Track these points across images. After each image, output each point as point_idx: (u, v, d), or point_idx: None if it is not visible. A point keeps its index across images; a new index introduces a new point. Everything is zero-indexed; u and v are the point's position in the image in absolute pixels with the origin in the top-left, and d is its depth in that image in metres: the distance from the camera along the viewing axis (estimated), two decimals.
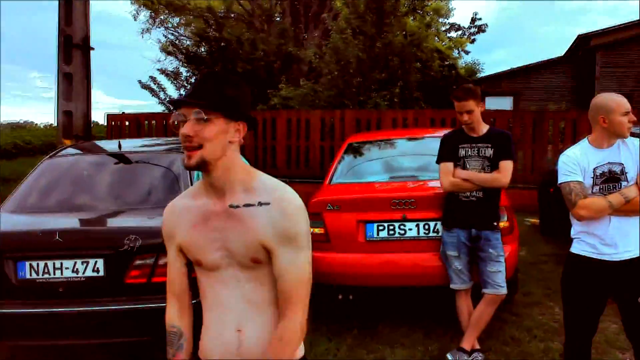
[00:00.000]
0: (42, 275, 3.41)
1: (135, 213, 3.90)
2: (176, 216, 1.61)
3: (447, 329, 4.20)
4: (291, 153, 10.17)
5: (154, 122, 10.60)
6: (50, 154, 4.71)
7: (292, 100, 10.26)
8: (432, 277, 4.01)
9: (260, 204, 1.50)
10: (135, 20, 13.87)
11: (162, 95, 12.99)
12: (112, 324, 3.44)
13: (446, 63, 17.12)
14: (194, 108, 1.45)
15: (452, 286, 3.85)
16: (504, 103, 19.31)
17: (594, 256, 2.83)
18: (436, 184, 4.15)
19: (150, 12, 13.34)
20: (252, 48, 10.92)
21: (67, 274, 3.41)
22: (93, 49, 8.22)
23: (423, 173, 4.70)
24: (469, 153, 3.75)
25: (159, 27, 13.61)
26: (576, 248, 2.92)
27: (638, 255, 2.81)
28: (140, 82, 12.96)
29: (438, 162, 3.86)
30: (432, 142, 5.27)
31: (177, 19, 13.58)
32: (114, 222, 3.80)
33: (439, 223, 4.04)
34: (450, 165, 3.76)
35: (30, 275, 3.41)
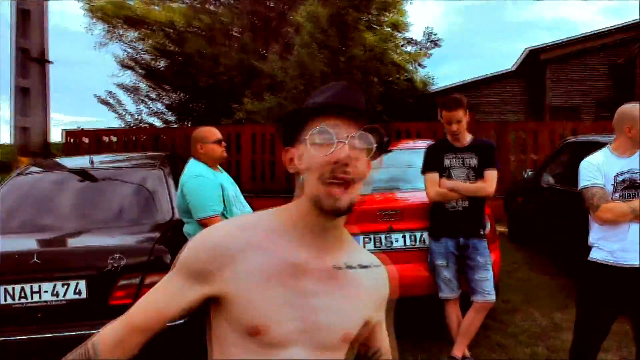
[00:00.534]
0: (19, 300, 3.22)
1: (114, 232, 3.75)
2: (229, 256, 1.09)
3: (435, 339, 4.20)
4: (256, 167, 10.07)
5: (114, 138, 10.29)
6: (17, 172, 4.49)
7: (257, 114, 10.18)
8: (421, 287, 4.00)
9: (361, 266, 1.20)
10: (91, 34, 13.52)
11: (120, 110, 12.74)
12: None
13: (405, 76, 17.41)
14: (361, 125, 1.07)
15: (441, 295, 3.85)
16: None
17: (613, 263, 2.88)
18: (420, 194, 4.16)
19: (107, 26, 13.01)
20: (214, 62, 10.80)
21: (46, 297, 3.23)
22: (51, 62, 7.94)
23: (404, 184, 4.72)
24: (454, 163, 3.78)
25: (116, 42, 13.34)
26: (595, 255, 2.96)
27: None
28: (97, 97, 12.67)
29: (423, 172, 3.87)
30: (407, 154, 5.34)
31: (134, 33, 13.31)
32: (94, 242, 3.62)
33: (425, 233, 4.05)
34: (435, 175, 3.77)
35: (6, 300, 3.21)
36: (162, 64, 11.95)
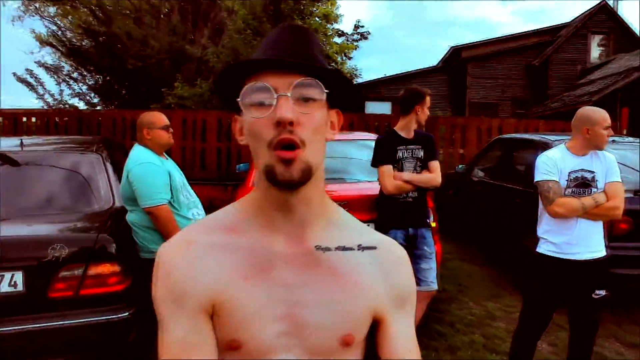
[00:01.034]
0: None
1: (48, 220, 3.51)
2: (196, 261, 0.91)
3: None
4: (186, 154, 9.79)
5: (34, 119, 9.63)
6: None
7: (187, 99, 9.86)
8: None
9: (361, 247, 0.98)
10: (3, 5, 12.50)
11: (40, 90, 11.90)
12: (35, 344, 3.06)
13: (332, 67, 17.58)
14: (299, 76, 0.88)
15: None
16: (383, 108, 20.20)
17: (559, 256, 3.08)
18: (367, 185, 4.23)
19: None
20: (142, 44, 10.36)
21: None
22: None
23: (349, 175, 4.76)
24: (405, 155, 3.85)
25: (33, 16, 12.44)
26: (542, 248, 3.16)
27: (598, 257, 3.10)
28: (15, 74, 11.78)
29: (375, 165, 3.91)
30: (348, 144, 5.41)
31: (53, 8, 12.47)
32: (28, 230, 3.37)
33: (371, 225, 4.10)
34: (390, 167, 3.82)
35: None
36: (86, 43, 11.29)
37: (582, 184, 3.09)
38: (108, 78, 11.17)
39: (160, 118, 3.67)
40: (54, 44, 12.00)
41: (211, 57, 10.02)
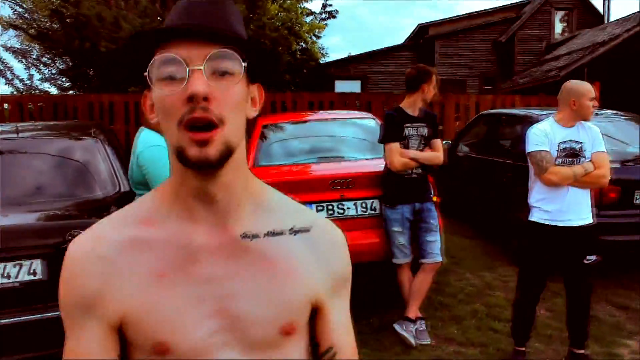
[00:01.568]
0: None
1: (58, 206, 3.46)
2: (106, 264, 0.83)
3: (386, 304, 4.41)
4: None
5: (6, 105, 9.31)
6: None
7: None
8: (373, 254, 4.15)
9: (293, 231, 0.91)
10: None
11: (8, 75, 11.45)
12: (56, 332, 3.03)
13: (300, 46, 17.48)
14: (214, 46, 0.79)
15: (394, 261, 4.02)
16: (353, 86, 20.26)
17: (551, 223, 3.24)
18: (369, 163, 4.31)
19: None
20: (114, 26, 10.08)
21: None
22: None
23: (346, 153, 4.82)
24: (411, 132, 3.93)
25: None
26: (535, 216, 3.32)
27: (587, 223, 3.27)
28: None
29: (383, 141, 3.97)
30: (337, 123, 5.47)
31: None
32: (48, 217, 3.32)
33: (375, 201, 4.19)
34: (397, 145, 3.88)
35: None
36: (55, 25, 10.88)
37: (571, 154, 3.25)
38: (78, 62, 10.84)
39: None
40: (21, 26, 11.54)
41: None
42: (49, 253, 2.99)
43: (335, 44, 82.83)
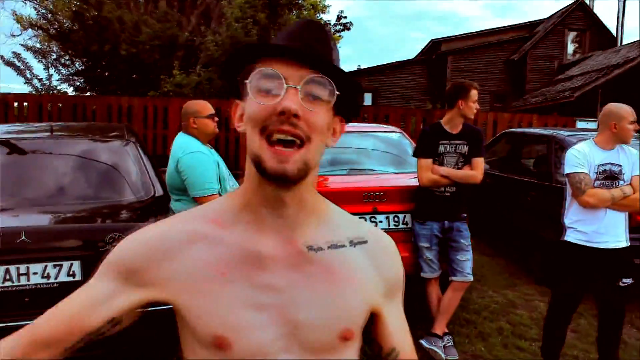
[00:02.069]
0: (3, 283, 2.90)
1: (98, 208, 3.46)
2: (166, 250, 0.88)
3: (409, 318, 4.37)
4: None
5: (25, 104, 9.33)
6: None
7: (184, 87, 9.71)
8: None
9: (353, 243, 0.96)
10: None
11: (28, 74, 11.47)
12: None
13: None
14: (312, 72, 0.83)
15: (422, 275, 4.00)
16: (365, 98, 20.38)
17: (587, 244, 3.23)
18: (402, 177, 4.31)
19: None
20: (135, 30, 10.14)
21: (36, 280, 2.94)
22: None
23: (377, 166, 4.82)
24: (448, 149, 3.90)
25: None
26: (570, 237, 3.32)
27: (623, 246, 3.27)
28: (2, 57, 11.29)
29: (417, 156, 3.96)
30: (371, 136, 5.46)
31: None
32: (85, 219, 3.32)
33: (407, 215, 4.18)
34: (429, 161, 3.87)
35: None
36: (75, 27, 10.94)
37: (610, 176, 3.26)
38: (97, 64, 10.90)
39: (206, 106, 3.63)
40: (43, 27, 11.59)
41: (211, 45, 9.89)
42: (87, 255, 2.99)
43: (346, 56, 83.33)
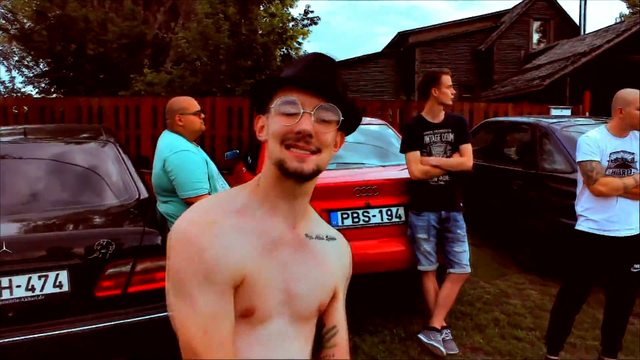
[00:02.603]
0: None
1: (81, 214, 3.26)
2: (223, 240, 1.01)
3: (410, 312, 4.33)
4: (156, 142, 9.38)
5: None
6: None
7: (156, 86, 9.41)
8: (398, 262, 4.06)
9: (328, 238, 1.21)
10: None
11: None
12: (82, 347, 2.85)
13: (285, 53, 17.45)
14: (322, 100, 1.05)
15: (419, 268, 3.94)
16: None
17: (598, 232, 3.18)
18: (395, 170, 4.23)
19: None
20: (101, 29, 9.79)
21: (19, 293, 2.74)
22: None
23: (365, 160, 4.71)
24: (433, 139, 3.86)
25: None
26: (582, 225, 3.26)
27: (635, 234, 3.21)
28: None
29: (403, 151, 3.91)
30: (356, 130, 5.34)
31: None
32: (69, 226, 3.12)
33: (400, 208, 4.10)
34: (417, 153, 3.83)
35: None
36: (38, 27, 10.52)
37: (622, 164, 3.20)
38: (62, 64, 10.51)
39: (192, 103, 3.48)
40: (3, 27, 11.09)
41: (181, 42, 9.62)
42: (75, 264, 2.81)
43: (311, 51, 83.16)
